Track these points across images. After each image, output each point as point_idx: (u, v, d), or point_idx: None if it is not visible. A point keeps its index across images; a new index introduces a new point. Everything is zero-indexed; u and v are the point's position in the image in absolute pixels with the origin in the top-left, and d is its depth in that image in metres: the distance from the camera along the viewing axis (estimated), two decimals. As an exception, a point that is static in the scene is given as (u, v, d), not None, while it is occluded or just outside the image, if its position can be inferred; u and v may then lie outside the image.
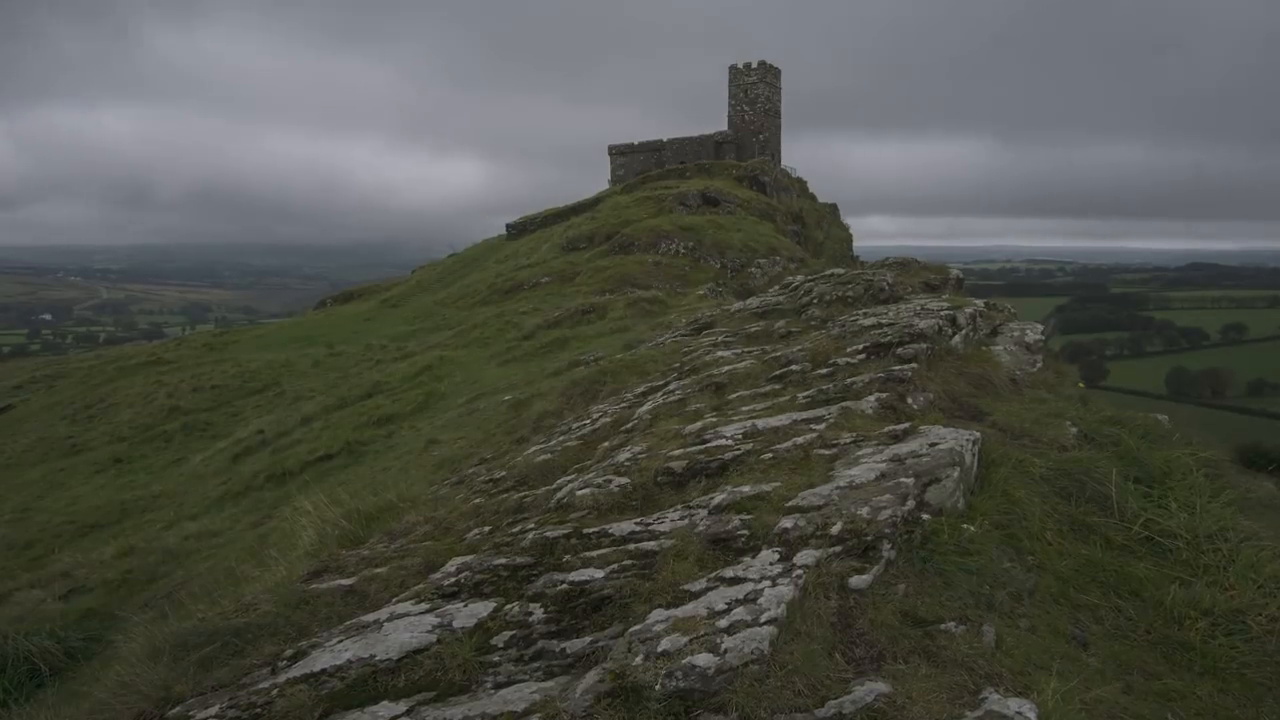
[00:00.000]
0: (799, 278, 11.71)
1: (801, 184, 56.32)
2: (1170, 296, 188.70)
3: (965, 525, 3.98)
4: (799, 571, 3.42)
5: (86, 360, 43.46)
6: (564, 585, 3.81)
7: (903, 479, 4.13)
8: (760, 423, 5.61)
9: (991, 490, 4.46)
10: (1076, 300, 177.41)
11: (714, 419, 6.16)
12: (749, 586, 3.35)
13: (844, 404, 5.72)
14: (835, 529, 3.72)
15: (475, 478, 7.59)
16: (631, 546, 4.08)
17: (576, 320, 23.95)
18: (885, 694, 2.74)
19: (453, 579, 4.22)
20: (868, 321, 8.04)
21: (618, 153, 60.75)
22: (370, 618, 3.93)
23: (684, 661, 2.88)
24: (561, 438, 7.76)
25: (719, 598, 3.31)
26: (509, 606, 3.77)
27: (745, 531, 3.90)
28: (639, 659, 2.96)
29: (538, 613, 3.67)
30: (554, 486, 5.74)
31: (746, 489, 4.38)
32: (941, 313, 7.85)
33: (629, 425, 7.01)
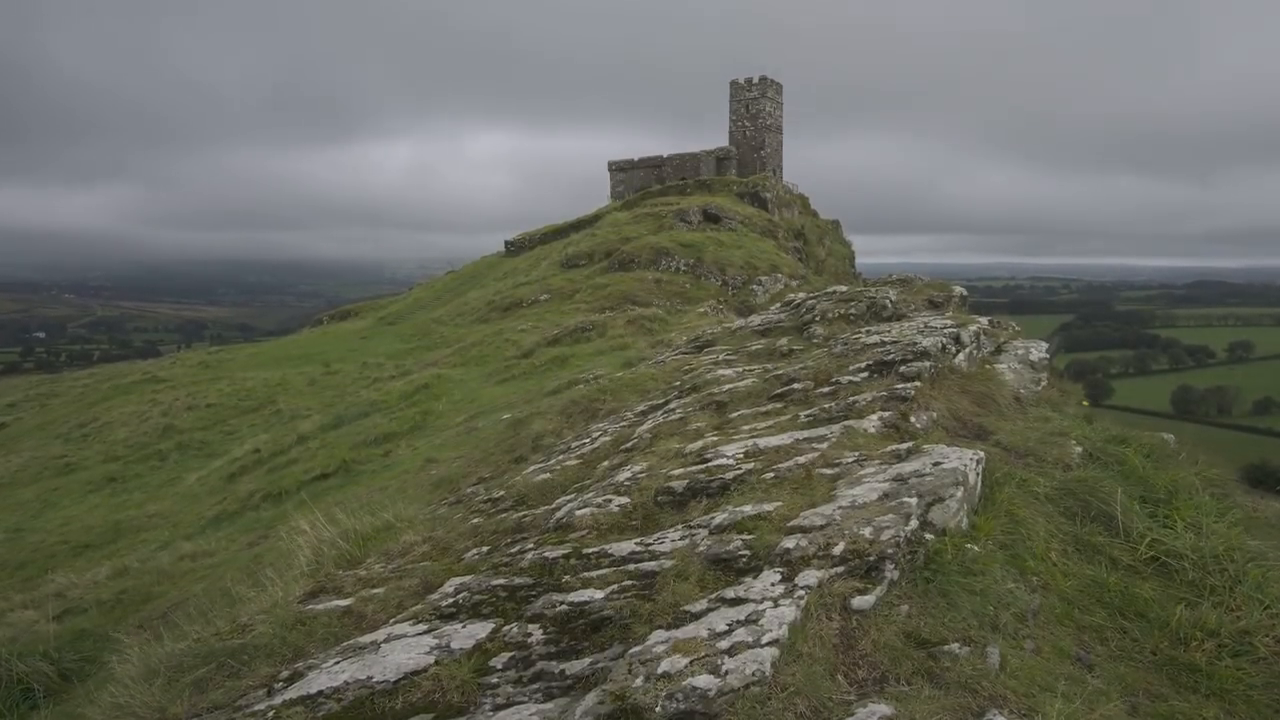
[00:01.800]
0: (801, 295, 11.71)
1: (803, 200, 56.46)
2: (1176, 314, 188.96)
3: (969, 545, 3.95)
4: (801, 592, 3.38)
5: (80, 379, 43.38)
6: (563, 606, 3.78)
7: (906, 499, 4.10)
8: (762, 441, 5.59)
9: (996, 510, 4.43)
10: (1081, 318, 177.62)
11: (715, 438, 6.14)
12: (750, 607, 3.32)
13: (847, 423, 5.70)
14: (838, 549, 3.69)
15: (474, 497, 7.55)
16: (631, 567, 4.05)
17: (576, 338, 23.96)
18: (888, 716, 2.71)
19: (451, 600, 4.19)
20: (870, 339, 8.02)
21: (617, 169, 60.91)
22: (367, 639, 3.90)
23: (685, 683, 2.85)
24: (561, 457, 7.73)
25: (720, 619, 3.28)
26: (508, 627, 3.74)
27: (747, 552, 3.87)
28: (639, 680, 2.93)
29: (537, 634, 3.63)
30: (553, 506, 5.71)
31: (748, 509, 4.35)
32: (945, 330, 7.83)
33: (629, 444, 6.98)
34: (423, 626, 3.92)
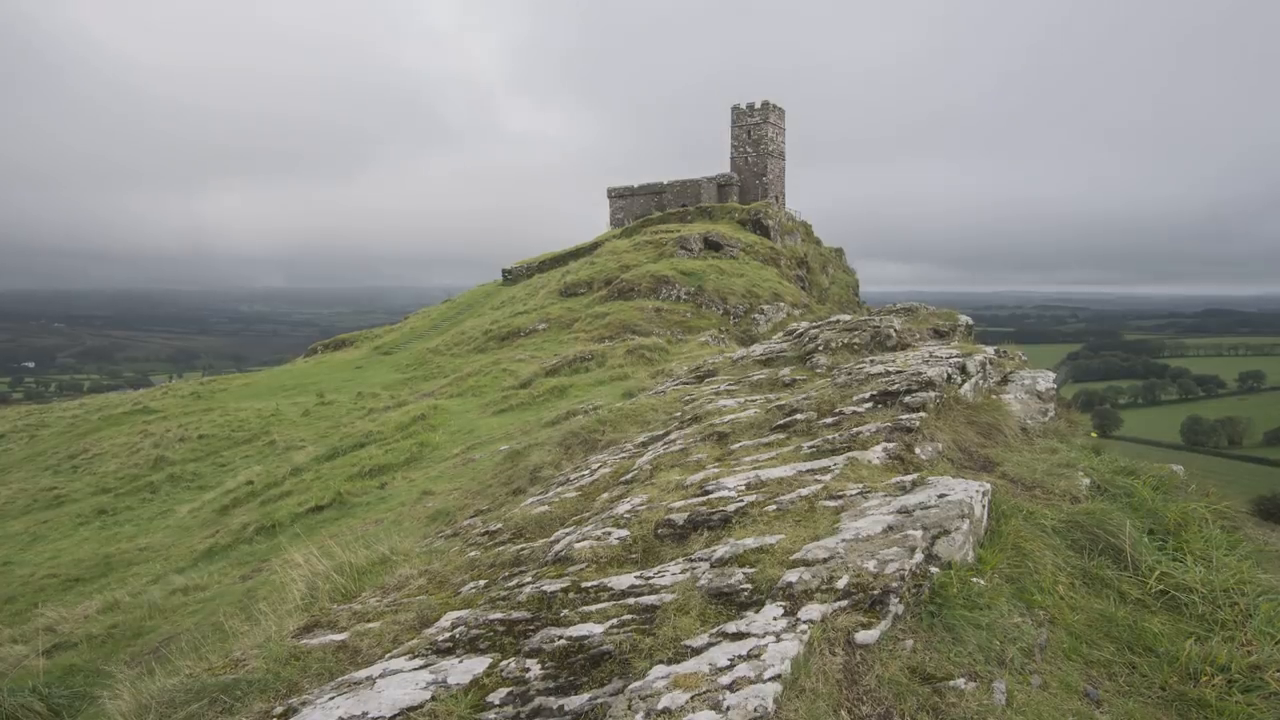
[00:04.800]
0: (804, 324, 11.68)
1: (806, 227, 56.58)
2: (1186, 343, 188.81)
3: (975, 579, 3.90)
4: (804, 626, 3.34)
5: (70, 409, 42.95)
6: (562, 641, 3.72)
7: (911, 531, 4.06)
8: (764, 473, 5.54)
9: (1002, 543, 4.39)
10: (1089, 347, 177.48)
11: (716, 470, 6.09)
12: (752, 642, 3.28)
13: (850, 454, 5.66)
14: (841, 583, 3.64)
15: (471, 530, 7.48)
16: (631, 601, 3.99)
17: (575, 368, 23.92)
18: (897, 756, 2.65)
19: (447, 634, 4.13)
20: (875, 369, 7.97)
21: (616, 195, 61.18)
22: (362, 674, 3.84)
23: (686, 720, 2.79)
24: (559, 489, 7.67)
25: (721, 654, 3.23)
26: (505, 663, 3.68)
27: (749, 585, 3.82)
28: (639, 717, 2.89)
29: (535, 669, 3.57)
30: (552, 539, 5.66)
31: (750, 542, 4.31)
32: (950, 360, 7.79)
33: (629, 476, 6.93)
34: (419, 661, 3.86)
